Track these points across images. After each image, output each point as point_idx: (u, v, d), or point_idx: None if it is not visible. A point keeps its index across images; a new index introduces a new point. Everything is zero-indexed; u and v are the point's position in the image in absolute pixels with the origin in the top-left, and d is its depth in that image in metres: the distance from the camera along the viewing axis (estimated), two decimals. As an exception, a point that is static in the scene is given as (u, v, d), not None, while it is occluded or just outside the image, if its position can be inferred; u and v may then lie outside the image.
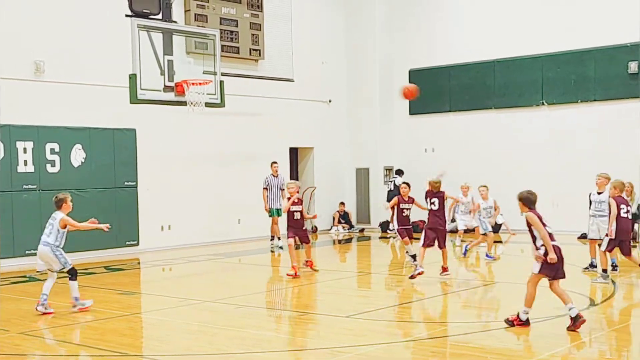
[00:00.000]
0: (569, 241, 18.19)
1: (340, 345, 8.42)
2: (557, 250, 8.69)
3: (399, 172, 21.78)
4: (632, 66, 18.93)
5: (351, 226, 22.78)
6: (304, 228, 13.76)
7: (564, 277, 8.79)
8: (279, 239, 18.15)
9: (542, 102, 20.51)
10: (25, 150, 15.90)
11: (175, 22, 15.22)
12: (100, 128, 17.10)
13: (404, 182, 13.95)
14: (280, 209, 18.00)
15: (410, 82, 22.89)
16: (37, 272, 11.14)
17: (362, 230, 22.52)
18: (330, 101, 22.99)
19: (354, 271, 14.52)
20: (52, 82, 16.36)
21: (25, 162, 15.91)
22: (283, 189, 18.13)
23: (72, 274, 10.57)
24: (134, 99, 14.03)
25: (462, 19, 21.98)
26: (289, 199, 13.67)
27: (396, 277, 13.76)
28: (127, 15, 13.47)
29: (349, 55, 23.42)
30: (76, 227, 10.73)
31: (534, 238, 8.86)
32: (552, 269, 8.68)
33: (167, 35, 14.58)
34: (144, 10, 13.76)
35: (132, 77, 13.86)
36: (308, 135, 22.37)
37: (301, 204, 13.75)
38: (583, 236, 18.71)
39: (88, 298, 11.02)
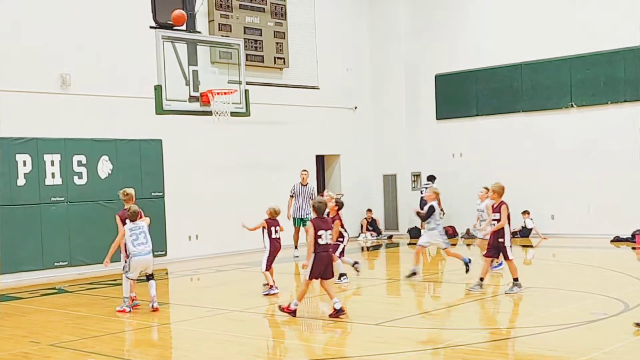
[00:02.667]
0: (602, 245, 18.00)
1: (370, 353, 8.33)
2: (326, 257, 10.13)
3: (431, 178, 21.58)
4: (663, 65, 18.66)
5: (379, 233, 22.64)
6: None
7: (331, 277, 10.42)
8: (295, 248, 18.04)
9: (571, 104, 20.25)
10: (52, 163, 16.00)
11: (199, 32, 15.26)
12: (127, 139, 17.17)
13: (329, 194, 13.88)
14: (306, 219, 17.85)
15: (436, 87, 22.83)
16: (134, 280, 11.38)
17: (390, 237, 22.36)
18: (355, 108, 22.92)
19: (383, 278, 14.38)
20: (78, 95, 16.47)
21: (53, 175, 16.01)
22: (312, 198, 17.95)
23: (152, 275, 11.39)
24: (160, 110, 14.05)
25: (487, 22, 21.80)
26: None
27: (426, 283, 13.60)
28: (151, 27, 13.52)
29: (374, 61, 23.34)
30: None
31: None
32: (319, 273, 10.12)
33: (192, 46, 14.60)
34: (168, 22, 13.79)
35: (158, 88, 13.88)
36: (334, 143, 22.32)
37: None
38: (616, 239, 18.48)
39: (115, 308, 11.16)
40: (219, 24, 18.97)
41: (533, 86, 20.90)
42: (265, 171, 20.03)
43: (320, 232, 10.06)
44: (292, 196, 17.88)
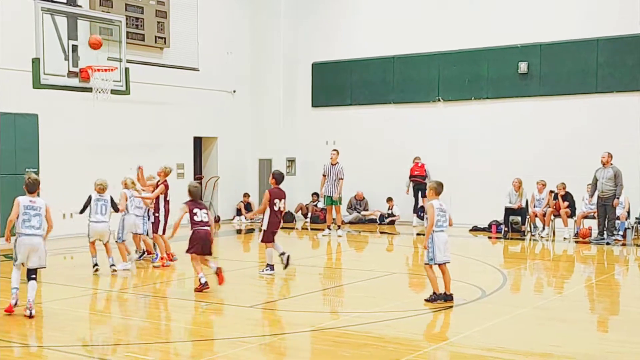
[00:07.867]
0: (461, 234, 19.12)
1: (244, 335, 8.60)
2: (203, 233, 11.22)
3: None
4: (522, 66, 19.94)
5: (255, 216, 22.94)
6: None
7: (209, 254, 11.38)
8: (329, 228, 18.49)
9: (438, 99, 21.28)
10: None
11: (80, 6, 15.08)
12: (1, 113, 16.68)
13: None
14: (335, 198, 18.05)
15: (313, 75, 23.35)
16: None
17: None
18: (234, 91, 23.11)
19: (257, 261, 14.71)
20: (-51, 64, 15.90)
21: None
22: (341, 178, 17.99)
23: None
24: (37, 84, 13.85)
25: (364, 15, 22.51)
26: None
27: (298, 267, 14.04)
28: (30, -2, 13.29)
29: (254, 46, 23.57)
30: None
31: None
32: (199, 250, 11.10)
33: (72, 20, 14.44)
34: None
35: (35, 62, 13.68)
36: (212, 125, 22.44)
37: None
38: (474, 228, 19.67)
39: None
40: (101, -1, 18.67)
41: (404, 79, 21.77)
42: (143, 151, 19.85)
43: (195, 211, 11.22)
44: (324, 175, 18.12)
